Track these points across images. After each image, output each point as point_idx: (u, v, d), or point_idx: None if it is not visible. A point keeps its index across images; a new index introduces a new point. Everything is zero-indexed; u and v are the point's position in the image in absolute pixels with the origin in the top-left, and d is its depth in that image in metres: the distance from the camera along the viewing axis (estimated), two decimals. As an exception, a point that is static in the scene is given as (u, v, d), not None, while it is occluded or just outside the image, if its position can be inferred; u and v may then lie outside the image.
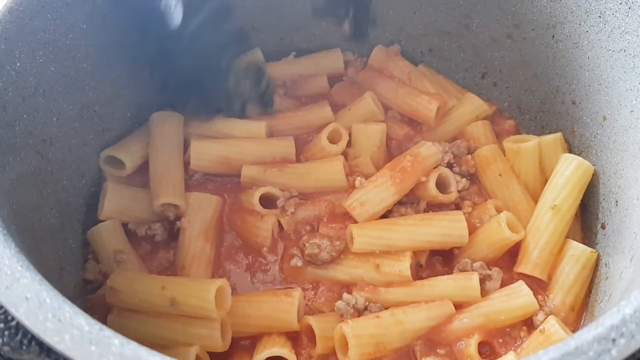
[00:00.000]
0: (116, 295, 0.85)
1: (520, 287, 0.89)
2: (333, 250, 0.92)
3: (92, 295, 0.92)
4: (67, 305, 0.55)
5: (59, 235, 0.90)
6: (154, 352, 0.52)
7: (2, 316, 0.61)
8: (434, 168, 1.00)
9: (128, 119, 1.06)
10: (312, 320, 0.86)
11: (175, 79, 1.01)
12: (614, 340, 0.52)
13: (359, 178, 0.98)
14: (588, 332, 0.53)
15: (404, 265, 0.91)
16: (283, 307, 0.87)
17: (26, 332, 0.60)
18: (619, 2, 0.85)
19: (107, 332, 0.53)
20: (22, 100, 0.82)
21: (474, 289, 0.90)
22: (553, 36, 0.98)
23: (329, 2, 1.06)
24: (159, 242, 0.97)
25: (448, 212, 0.98)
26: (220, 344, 0.83)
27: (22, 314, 0.54)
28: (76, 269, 0.94)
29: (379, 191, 0.95)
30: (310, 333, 0.87)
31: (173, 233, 0.97)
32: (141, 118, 1.07)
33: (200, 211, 0.97)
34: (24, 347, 0.60)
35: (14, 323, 0.61)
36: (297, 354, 0.86)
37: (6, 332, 0.60)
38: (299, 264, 0.93)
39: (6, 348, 0.60)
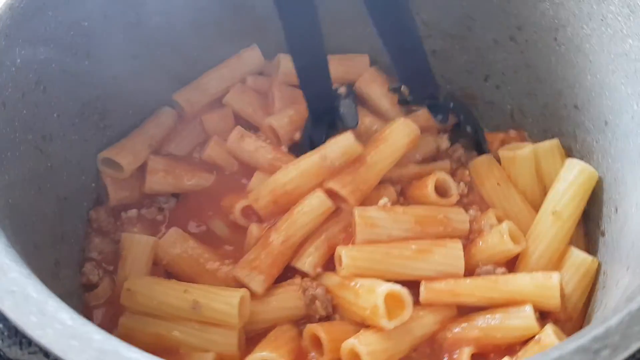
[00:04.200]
0: (132, 297, 0.85)
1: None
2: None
3: (88, 294, 0.93)
4: (52, 300, 0.56)
5: (57, 229, 0.91)
6: (134, 348, 0.52)
7: (2, 316, 0.60)
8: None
9: (130, 116, 1.07)
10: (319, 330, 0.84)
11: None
12: (596, 351, 0.51)
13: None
14: (570, 343, 0.52)
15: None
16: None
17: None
18: (621, 5, 0.84)
19: (90, 327, 0.53)
20: (22, 96, 0.82)
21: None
22: (555, 39, 0.97)
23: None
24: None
25: (447, 241, 0.91)
26: (236, 352, 0.82)
27: (7, 307, 0.55)
28: (74, 268, 0.94)
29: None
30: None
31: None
32: (143, 115, 1.08)
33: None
34: (23, 347, 0.60)
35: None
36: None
37: (6, 332, 0.60)
38: None
39: (6, 348, 0.60)
